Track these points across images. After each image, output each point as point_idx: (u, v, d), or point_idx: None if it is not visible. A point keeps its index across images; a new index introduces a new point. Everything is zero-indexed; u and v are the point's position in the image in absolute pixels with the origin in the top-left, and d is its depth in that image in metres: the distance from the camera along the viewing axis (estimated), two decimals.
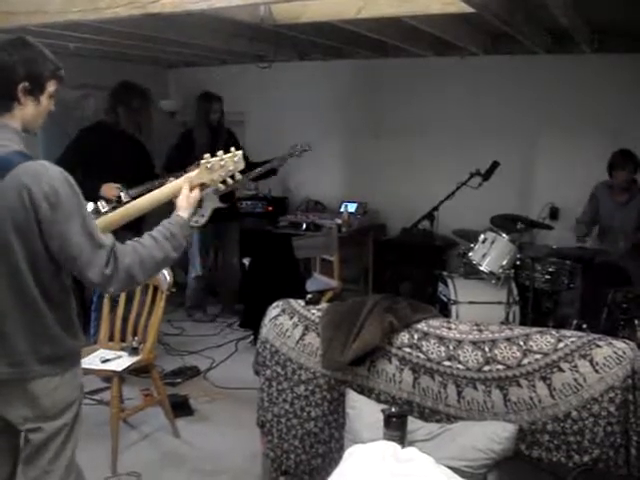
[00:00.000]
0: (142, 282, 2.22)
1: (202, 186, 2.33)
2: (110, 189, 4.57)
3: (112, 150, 4.63)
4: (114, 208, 4.51)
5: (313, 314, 2.86)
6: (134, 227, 2.49)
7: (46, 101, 2.13)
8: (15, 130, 2.08)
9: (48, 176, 1.97)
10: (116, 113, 4.76)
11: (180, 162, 4.92)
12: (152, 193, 2.37)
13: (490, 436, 2.31)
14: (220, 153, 2.32)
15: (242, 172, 2.41)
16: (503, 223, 4.78)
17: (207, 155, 2.32)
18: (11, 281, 2.03)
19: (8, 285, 2.03)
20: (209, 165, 2.30)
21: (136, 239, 2.14)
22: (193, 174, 2.33)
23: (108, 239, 2.06)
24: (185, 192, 2.29)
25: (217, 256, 6.41)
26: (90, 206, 4.55)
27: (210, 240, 6.08)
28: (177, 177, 2.39)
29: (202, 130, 5.73)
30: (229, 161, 2.32)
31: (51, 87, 2.12)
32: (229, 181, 2.35)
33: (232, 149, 2.35)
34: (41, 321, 2.08)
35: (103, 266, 2.00)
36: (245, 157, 2.42)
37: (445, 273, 4.97)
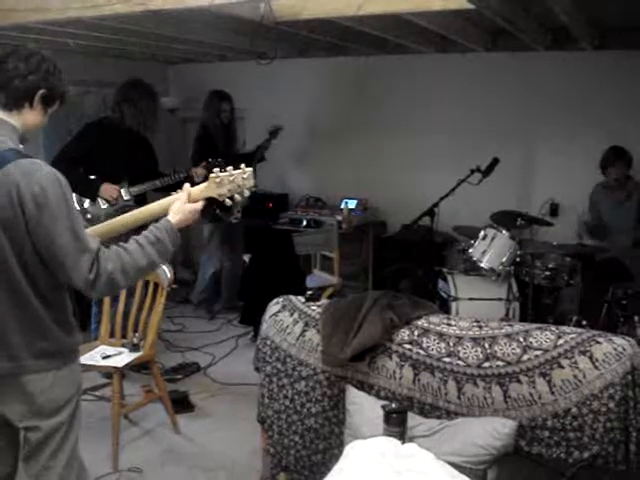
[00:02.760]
0: (125, 287, 2.23)
1: (208, 200, 2.33)
2: (109, 190, 4.58)
3: (115, 146, 4.62)
4: (113, 206, 4.57)
5: (313, 310, 2.87)
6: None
7: (47, 115, 2.22)
8: (15, 129, 2.11)
9: (39, 176, 1.97)
10: (121, 111, 4.74)
11: (205, 155, 5.09)
12: (152, 204, 2.37)
13: (490, 432, 2.31)
14: (230, 168, 2.31)
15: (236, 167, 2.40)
16: (503, 219, 4.78)
17: (216, 170, 2.31)
18: (2, 277, 2.03)
19: (0, 281, 2.04)
20: (218, 180, 2.29)
21: (120, 244, 2.14)
22: (198, 188, 2.32)
23: (94, 243, 2.05)
24: (183, 198, 2.29)
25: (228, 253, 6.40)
26: (87, 202, 4.58)
27: (223, 237, 6.10)
28: (185, 177, 2.38)
29: (216, 127, 5.76)
30: (238, 177, 2.31)
31: (55, 106, 2.23)
32: (237, 197, 2.34)
33: (242, 165, 2.34)
34: (34, 317, 2.09)
35: (87, 271, 2.00)
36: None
37: (445, 269, 4.97)
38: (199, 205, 2.31)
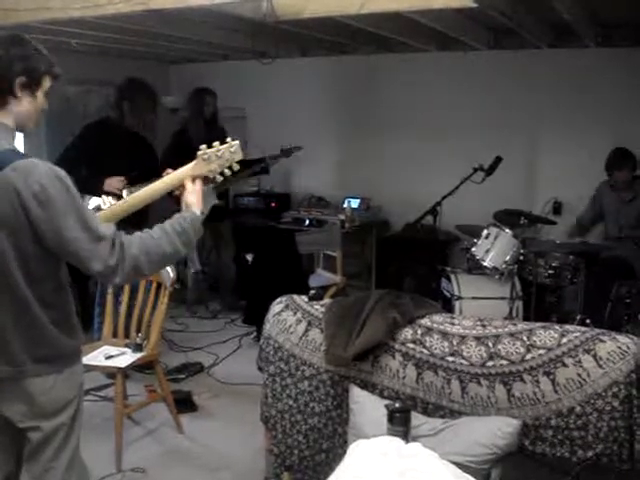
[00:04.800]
0: (148, 274, 2.19)
1: (206, 179, 2.33)
2: (114, 182, 4.56)
3: (116, 146, 4.61)
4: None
5: (316, 310, 2.86)
6: (136, 223, 2.49)
7: (42, 97, 2.12)
8: (7, 127, 2.06)
9: (36, 174, 1.94)
10: (120, 109, 4.73)
11: (176, 163, 4.95)
12: (149, 186, 2.36)
13: (494, 431, 2.31)
14: (216, 144, 2.30)
15: (234, 173, 2.39)
16: (506, 218, 4.77)
17: (203, 146, 2.30)
18: (2, 282, 2.01)
19: (0, 286, 2.02)
20: (206, 156, 2.28)
21: (146, 230, 2.12)
22: (190, 166, 2.30)
23: (109, 229, 2.03)
24: (190, 188, 2.27)
25: (216, 254, 6.40)
26: (92, 203, 4.57)
27: (205, 237, 6.08)
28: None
29: (198, 125, 5.75)
30: (225, 152, 2.30)
31: (47, 83, 2.11)
32: (227, 172, 2.33)
33: (228, 139, 2.33)
34: (35, 322, 2.07)
35: (106, 258, 1.98)
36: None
37: (448, 268, 4.97)
38: (200, 185, 2.29)
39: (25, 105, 2.08)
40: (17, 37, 2.07)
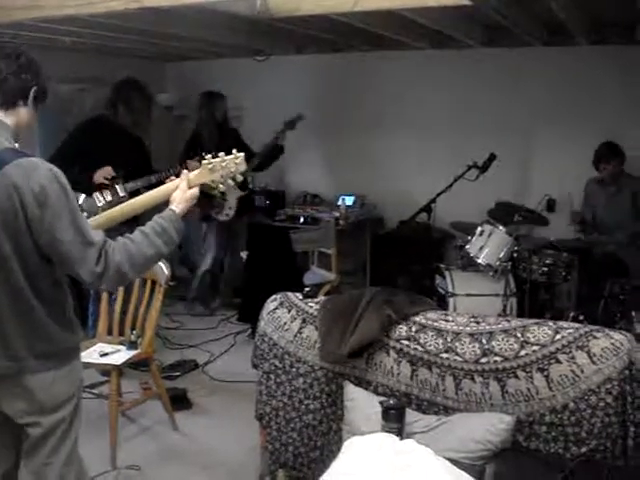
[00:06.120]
0: (133, 279, 2.23)
1: (202, 186, 2.34)
2: (103, 171, 4.54)
3: (109, 144, 4.62)
4: (109, 202, 4.54)
5: (311, 307, 2.87)
6: (129, 219, 2.50)
7: (37, 113, 2.23)
8: (9, 128, 2.12)
9: (37, 174, 1.98)
10: (115, 109, 4.76)
11: (189, 152, 4.96)
12: (150, 192, 2.39)
13: (488, 428, 2.31)
14: (222, 154, 2.33)
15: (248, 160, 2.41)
16: (500, 214, 4.79)
17: (209, 156, 2.32)
18: (2, 278, 2.03)
19: (0, 283, 2.04)
20: (210, 166, 2.31)
21: (126, 235, 2.15)
22: (193, 174, 2.33)
23: (98, 236, 2.06)
24: (182, 187, 2.30)
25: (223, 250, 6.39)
26: (82, 199, 4.55)
27: (224, 235, 6.06)
28: (177, 173, 2.40)
29: (210, 130, 5.77)
30: (230, 162, 2.32)
31: (42, 104, 2.24)
32: (230, 182, 2.36)
33: (234, 150, 2.36)
34: (34, 318, 2.09)
35: (93, 264, 2.01)
36: (248, 151, 2.43)
37: (443, 266, 4.97)
38: (196, 191, 2.32)
39: (27, 115, 2.18)
40: (33, 57, 2.20)
